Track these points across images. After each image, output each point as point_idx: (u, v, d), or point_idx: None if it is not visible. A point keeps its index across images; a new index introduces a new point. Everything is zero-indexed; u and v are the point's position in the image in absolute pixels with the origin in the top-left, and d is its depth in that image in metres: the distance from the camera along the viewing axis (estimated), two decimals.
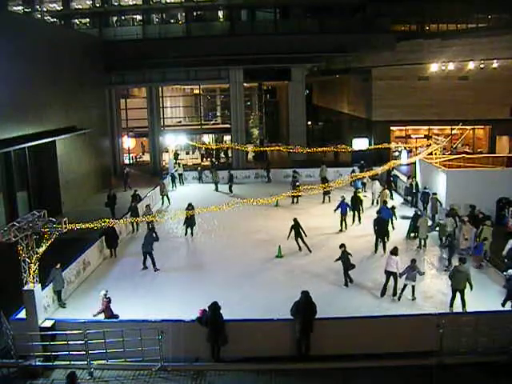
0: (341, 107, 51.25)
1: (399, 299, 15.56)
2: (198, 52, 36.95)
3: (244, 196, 28.05)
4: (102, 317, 13.94)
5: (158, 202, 29.12)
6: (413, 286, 15.60)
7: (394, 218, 21.88)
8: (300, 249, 20.29)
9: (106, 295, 14.07)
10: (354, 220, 23.66)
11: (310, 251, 20.12)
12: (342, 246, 17.04)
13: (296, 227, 20.24)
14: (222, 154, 44.28)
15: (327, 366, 12.53)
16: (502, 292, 15.51)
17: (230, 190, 32.00)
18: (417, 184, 26.67)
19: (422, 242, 20.26)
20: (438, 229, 20.24)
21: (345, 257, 16.83)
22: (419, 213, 21.59)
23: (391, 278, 15.83)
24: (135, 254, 20.28)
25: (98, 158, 34.69)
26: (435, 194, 23.49)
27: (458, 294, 14.61)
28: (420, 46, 37.15)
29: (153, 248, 18.91)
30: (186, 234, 22.71)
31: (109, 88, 39.02)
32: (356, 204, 23.65)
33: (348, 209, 22.98)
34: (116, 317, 13.99)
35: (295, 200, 28.18)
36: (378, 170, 27.11)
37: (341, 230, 22.86)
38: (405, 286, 15.67)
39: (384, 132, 39.38)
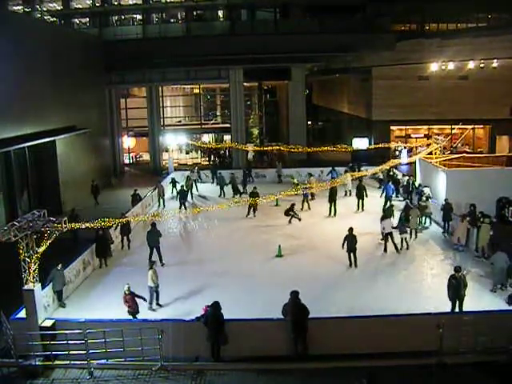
0: (341, 107, 51.26)
1: (401, 249, 19.49)
2: (198, 52, 36.93)
3: (244, 196, 28.09)
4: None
5: (155, 204, 28.74)
6: (405, 238, 19.64)
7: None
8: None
9: (129, 289, 14.05)
10: (358, 207, 25.76)
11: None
12: (350, 229, 18.46)
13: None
14: (222, 153, 44.28)
15: (327, 366, 12.54)
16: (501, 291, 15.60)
17: (181, 206, 26.75)
18: (413, 182, 27.33)
19: (413, 232, 21.09)
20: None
21: (350, 239, 18.26)
22: (410, 205, 22.44)
23: (388, 239, 19.43)
24: (134, 256, 20.31)
25: (97, 157, 34.71)
26: (426, 186, 24.80)
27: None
28: (420, 46, 37.15)
29: (159, 242, 19.28)
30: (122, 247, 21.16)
31: (109, 88, 39.02)
32: (360, 192, 25.64)
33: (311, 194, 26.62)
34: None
35: (252, 211, 25.25)
36: (377, 169, 27.26)
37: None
38: (401, 239, 19.58)
39: (384, 132, 39.40)
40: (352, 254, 18.40)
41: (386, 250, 19.59)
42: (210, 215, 25.09)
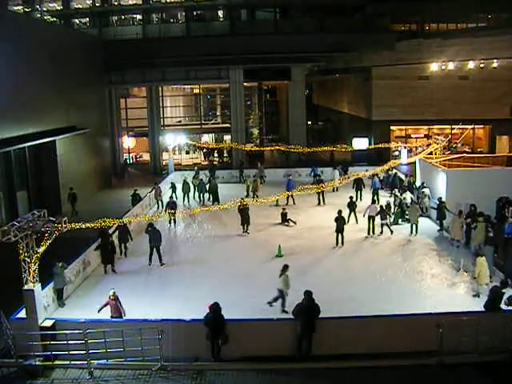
0: (341, 107, 51.27)
1: (381, 233, 21.83)
2: (198, 52, 36.94)
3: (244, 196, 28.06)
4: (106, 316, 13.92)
5: (154, 206, 28.32)
6: (387, 224, 21.69)
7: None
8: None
9: (114, 294, 13.98)
10: (356, 198, 27.06)
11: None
12: (340, 212, 20.77)
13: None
14: (225, 153, 44.27)
15: (327, 366, 12.53)
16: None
17: (170, 221, 24.12)
18: (414, 182, 27.51)
19: (414, 226, 21.86)
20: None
21: (339, 221, 20.51)
22: (403, 202, 23.69)
23: (371, 221, 21.68)
24: (133, 256, 20.30)
25: (98, 157, 34.70)
26: (425, 186, 25.09)
27: None
28: (420, 46, 37.13)
29: (160, 241, 19.29)
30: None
31: (109, 88, 39.03)
32: (358, 185, 27.78)
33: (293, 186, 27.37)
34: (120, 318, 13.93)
35: (245, 227, 22.91)
36: (378, 169, 27.31)
37: (286, 204, 26.62)
38: (382, 225, 21.65)
39: (384, 131, 39.40)
40: (340, 234, 20.55)
41: (369, 232, 21.84)
42: (209, 215, 25.13)
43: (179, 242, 22.44)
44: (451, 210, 21.84)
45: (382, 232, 21.89)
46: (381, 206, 22.02)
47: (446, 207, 21.88)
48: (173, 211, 23.64)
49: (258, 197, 27.00)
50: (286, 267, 14.91)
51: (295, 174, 33.11)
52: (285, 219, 23.98)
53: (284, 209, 24.46)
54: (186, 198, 28.73)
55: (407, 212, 23.20)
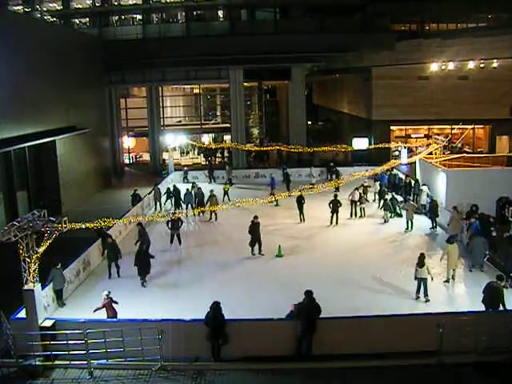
0: (341, 107, 51.25)
1: (361, 216, 24.60)
2: (198, 52, 36.96)
3: (244, 196, 28.05)
4: (104, 316, 13.93)
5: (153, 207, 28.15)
6: (363, 208, 24.68)
7: None
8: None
9: (108, 295, 14.05)
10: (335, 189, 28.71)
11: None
12: (335, 195, 23.69)
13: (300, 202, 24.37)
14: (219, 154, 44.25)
15: (327, 366, 12.53)
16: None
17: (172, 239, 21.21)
18: (415, 181, 27.40)
19: (409, 222, 22.28)
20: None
21: (334, 203, 23.15)
22: (392, 198, 24.70)
23: (353, 205, 24.53)
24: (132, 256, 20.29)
25: (98, 157, 34.71)
26: (424, 184, 25.47)
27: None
28: (420, 46, 37.09)
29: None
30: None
31: (109, 88, 39.04)
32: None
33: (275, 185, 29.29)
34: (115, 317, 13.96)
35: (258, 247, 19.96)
36: (378, 169, 27.31)
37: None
38: (360, 209, 24.65)
39: (384, 131, 39.38)
40: (335, 215, 23.06)
41: (351, 214, 24.45)
42: (209, 216, 25.11)
43: (178, 243, 22.38)
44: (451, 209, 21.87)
45: (361, 215, 24.52)
46: (360, 193, 24.68)
47: (437, 205, 22.13)
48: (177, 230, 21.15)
49: (216, 215, 24.69)
50: (423, 256, 15.49)
51: (295, 174, 33.08)
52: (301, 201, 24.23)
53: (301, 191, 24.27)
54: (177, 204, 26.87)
55: (401, 207, 23.87)
